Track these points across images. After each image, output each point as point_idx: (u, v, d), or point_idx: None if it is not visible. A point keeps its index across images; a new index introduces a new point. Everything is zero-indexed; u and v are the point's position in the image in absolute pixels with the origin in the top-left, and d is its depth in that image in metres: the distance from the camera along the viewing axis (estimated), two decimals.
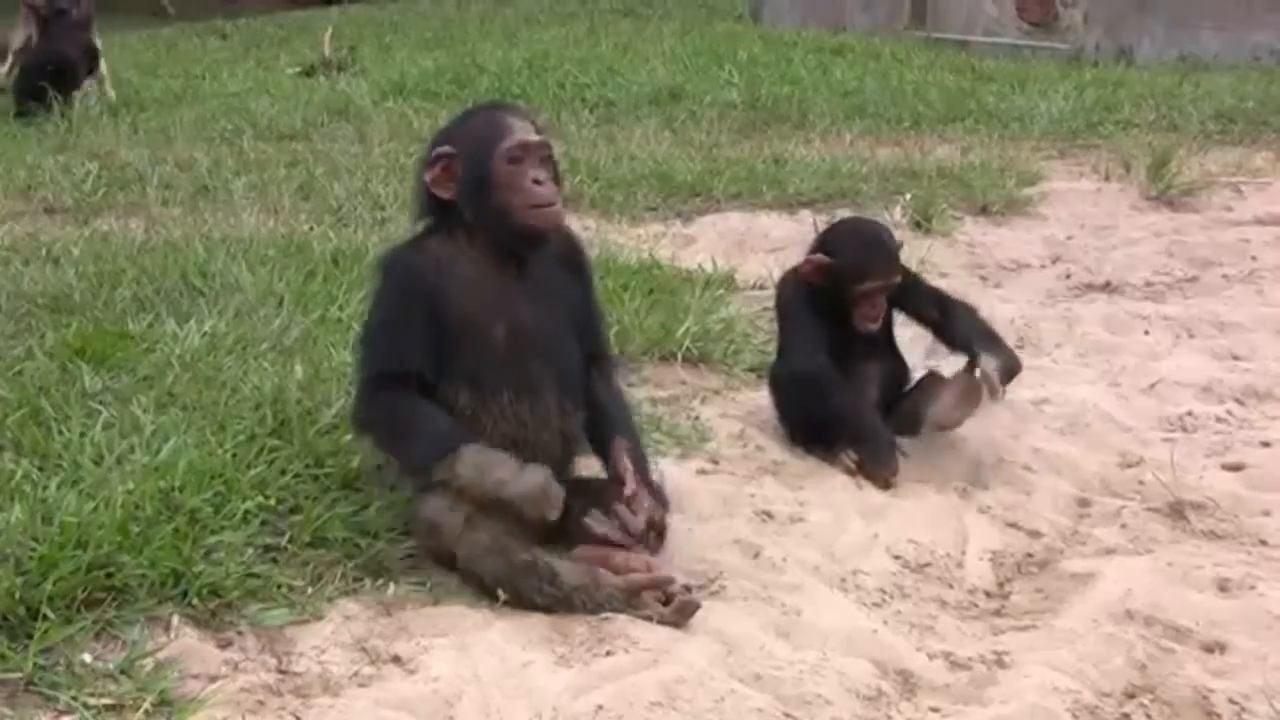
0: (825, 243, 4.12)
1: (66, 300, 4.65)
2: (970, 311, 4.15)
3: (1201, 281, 5.98)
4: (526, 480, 3.06)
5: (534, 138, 3.23)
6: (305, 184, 6.79)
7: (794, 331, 4.12)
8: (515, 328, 3.24)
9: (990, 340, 4.03)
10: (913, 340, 4.33)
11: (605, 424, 3.39)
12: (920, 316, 4.17)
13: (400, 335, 3.19)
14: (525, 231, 3.22)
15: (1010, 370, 3.96)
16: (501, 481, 3.06)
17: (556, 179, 3.28)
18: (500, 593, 3.07)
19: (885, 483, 3.87)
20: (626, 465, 3.28)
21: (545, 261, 3.33)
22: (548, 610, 3.06)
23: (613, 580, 3.09)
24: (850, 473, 3.92)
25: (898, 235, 4.31)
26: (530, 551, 3.10)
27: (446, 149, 3.24)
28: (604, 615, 3.04)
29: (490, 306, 3.23)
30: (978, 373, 3.96)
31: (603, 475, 3.47)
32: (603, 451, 3.39)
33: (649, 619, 3.04)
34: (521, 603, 3.07)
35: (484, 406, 3.21)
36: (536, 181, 3.19)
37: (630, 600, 3.07)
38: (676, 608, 3.06)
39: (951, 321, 4.11)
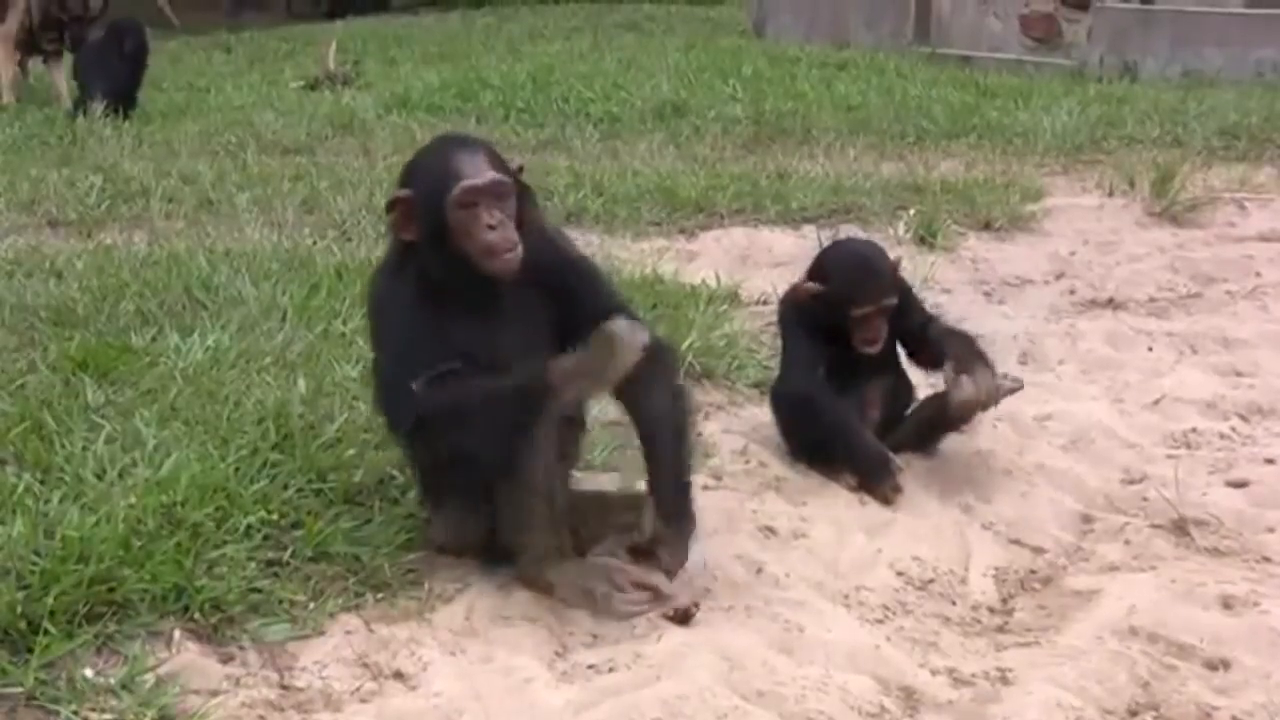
0: (818, 269, 4.11)
1: (69, 313, 4.66)
2: (964, 336, 4.14)
3: (1205, 298, 5.98)
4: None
5: (483, 180, 3.11)
6: (309, 198, 6.80)
7: (791, 351, 4.12)
8: (496, 355, 3.14)
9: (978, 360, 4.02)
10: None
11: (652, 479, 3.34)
12: (906, 335, 4.15)
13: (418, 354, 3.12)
14: (482, 276, 3.15)
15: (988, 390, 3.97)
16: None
17: (522, 205, 3.19)
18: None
19: (886, 498, 3.86)
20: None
21: (523, 281, 3.21)
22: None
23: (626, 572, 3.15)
24: (852, 490, 3.91)
25: (901, 251, 4.31)
26: None
27: (403, 192, 3.16)
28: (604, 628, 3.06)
29: (469, 336, 3.14)
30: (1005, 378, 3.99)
31: (607, 489, 3.48)
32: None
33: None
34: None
35: None
36: (490, 227, 3.11)
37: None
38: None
39: (939, 340, 4.11)
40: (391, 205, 3.18)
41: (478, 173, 3.12)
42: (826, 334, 4.02)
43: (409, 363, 3.11)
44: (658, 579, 3.20)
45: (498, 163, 3.19)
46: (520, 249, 3.14)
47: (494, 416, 3.05)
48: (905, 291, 4.19)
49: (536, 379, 3.04)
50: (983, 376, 3.93)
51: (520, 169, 3.28)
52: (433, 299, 3.14)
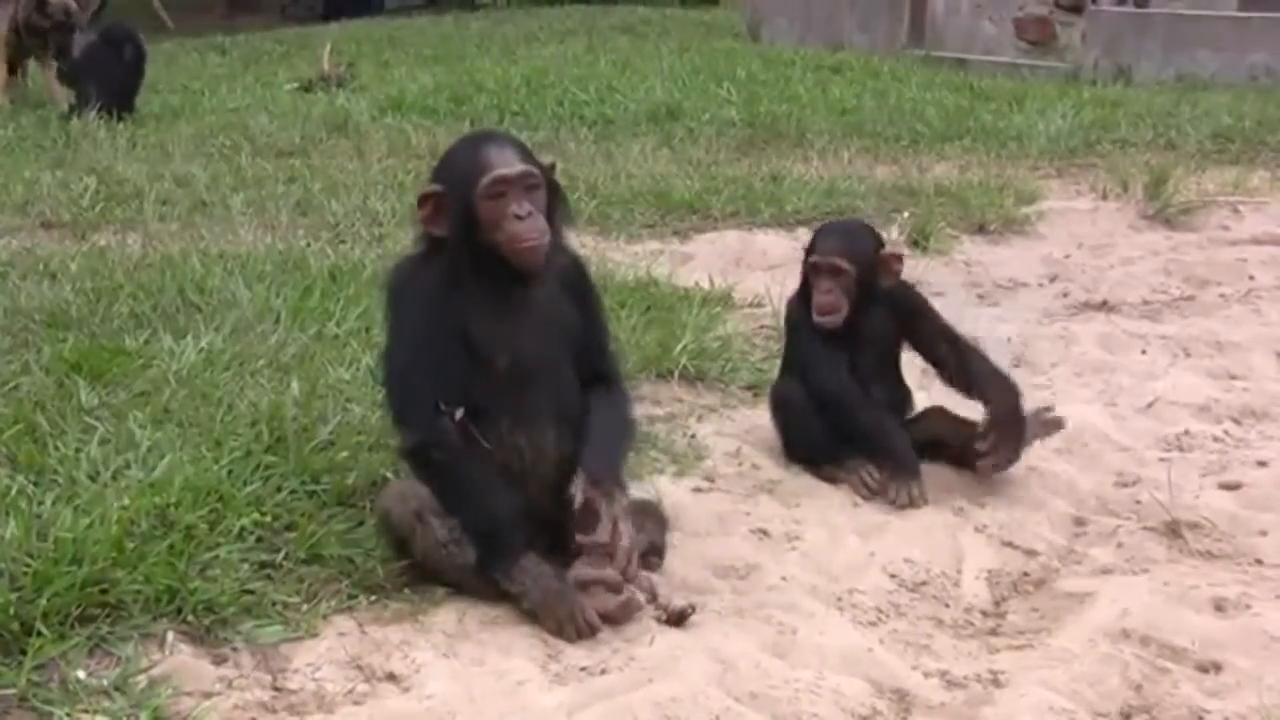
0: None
1: (63, 315, 4.66)
2: (983, 357, 4.11)
3: (1198, 301, 5.99)
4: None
5: (513, 171, 3.17)
6: (303, 200, 6.80)
7: (809, 349, 4.07)
8: (517, 357, 3.21)
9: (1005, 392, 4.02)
10: (909, 361, 4.31)
11: (582, 450, 3.30)
12: (927, 353, 4.15)
13: (429, 379, 3.17)
14: (511, 267, 3.19)
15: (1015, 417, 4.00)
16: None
17: (553, 203, 3.25)
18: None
19: (911, 496, 3.86)
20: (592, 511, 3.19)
21: (547, 285, 3.29)
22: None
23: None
24: (867, 490, 3.91)
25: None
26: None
27: (435, 188, 3.21)
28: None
29: (492, 336, 3.20)
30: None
31: None
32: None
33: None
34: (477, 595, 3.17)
35: (483, 434, 3.19)
36: (518, 216, 3.15)
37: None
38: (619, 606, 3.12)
39: (964, 363, 4.08)
40: (422, 200, 3.22)
41: (507, 164, 3.19)
42: (836, 335, 4.01)
43: (422, 354, 3.17)
44: (652, 580, 3.21)
45: (527, 156, 3.25)
46: (548, 239, 3.19)
47: (461, 519, 3.16)
48: (912, 297, 4.16)
49: (507, 550, 3.14)
50: (1011, 445, 3.98)
51: (552, 166, 3.34)
52: (455, 295, 3.19)
